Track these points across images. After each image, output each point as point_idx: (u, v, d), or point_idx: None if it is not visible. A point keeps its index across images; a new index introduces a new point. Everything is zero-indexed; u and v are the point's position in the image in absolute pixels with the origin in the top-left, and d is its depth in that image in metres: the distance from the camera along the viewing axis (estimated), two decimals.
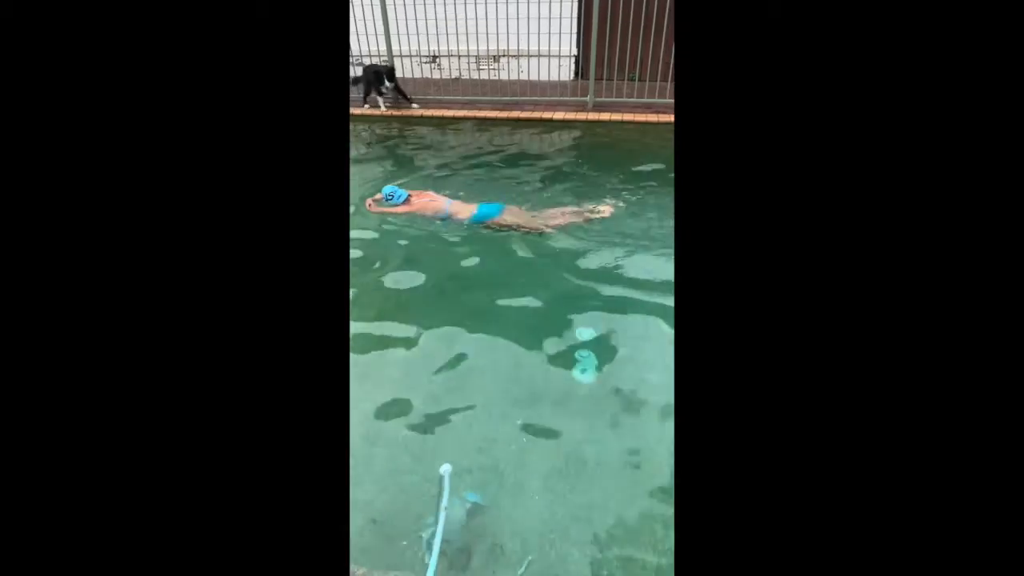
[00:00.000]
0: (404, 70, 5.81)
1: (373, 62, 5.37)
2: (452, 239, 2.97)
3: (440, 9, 5.35)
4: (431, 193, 3.24)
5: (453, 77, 6.17)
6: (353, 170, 4.08)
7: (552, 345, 2.18)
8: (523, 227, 2.96)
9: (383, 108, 5.28)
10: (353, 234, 2.94)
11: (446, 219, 3.06)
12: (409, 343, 2.23)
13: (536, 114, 4.96)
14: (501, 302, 2.46)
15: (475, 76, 5.93)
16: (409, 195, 3.17)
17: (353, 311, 2.41)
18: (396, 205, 3.14)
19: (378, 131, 5.06)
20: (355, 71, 5.28)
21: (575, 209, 3.14)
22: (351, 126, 5.14)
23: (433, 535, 1.41)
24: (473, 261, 2.80)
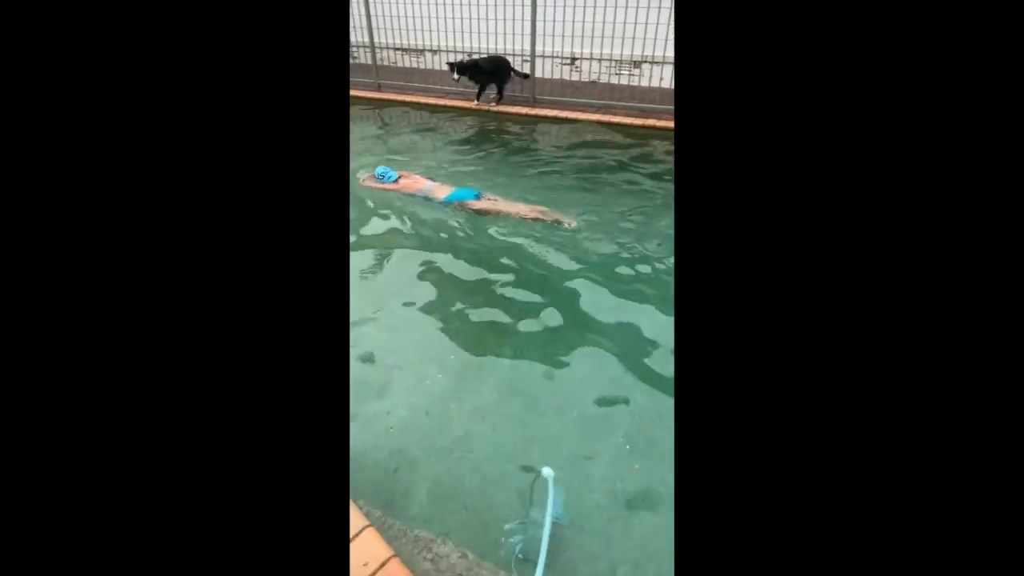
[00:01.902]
0: (544, 70, 5.90)
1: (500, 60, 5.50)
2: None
3: (589, 12, 5.35)
4: (416, 175, 3.60)
5: (591, 80, 6.15)
6: (453, 160, 4.27)
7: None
8: (487, 212, 3.22)
9: (476, 102, 5.45)
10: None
11: (426, 198, 3.37)
12: (510, 339, 2.25)
13: (672, 123, 4.78)
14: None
15: (613, 81, 5.85)
16: (399, 176, 3.55)
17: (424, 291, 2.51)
18: (385, 183, 3.52)
19: (501, 128, 5.20)
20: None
21: (543, 210, 3.24)
22: (466, 118, 5.36)
23: (524, 539, 1.41)
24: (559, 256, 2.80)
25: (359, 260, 2.84)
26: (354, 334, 2.24)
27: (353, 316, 2.36)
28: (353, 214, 3.28)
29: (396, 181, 3.55)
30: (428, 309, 2.44)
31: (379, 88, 6.18)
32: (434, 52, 6.44)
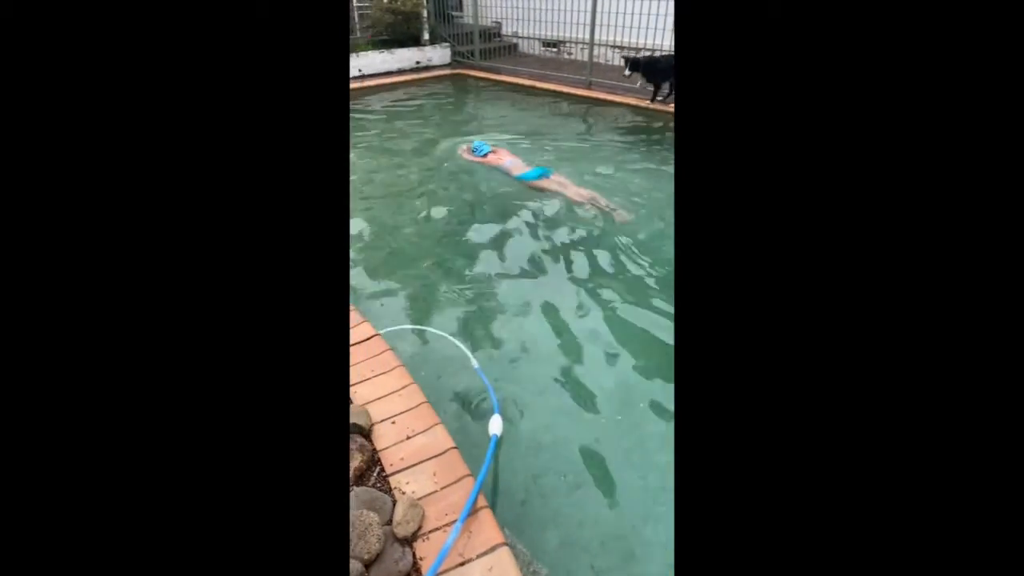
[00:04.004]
0: None
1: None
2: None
3: None
4: (504, 151, 4.01)
5: None
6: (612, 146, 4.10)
7: None
8: (544, 189, 3.56)
9: (651, 102, 5.39)
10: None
11: (505, 172, 3.77)
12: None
13: None
14: None
15: None
16: (490, 150, 4.00)
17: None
18: (476, 156, 4.00)
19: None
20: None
21: (604, 201, 3.44)
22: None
23: None
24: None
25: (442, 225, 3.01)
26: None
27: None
28: (442, 177, 3.98)
29: (486, 155, 4.01)
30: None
31: (590, 86, 6.13)
32: (651, 52, 6.16)
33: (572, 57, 7.58)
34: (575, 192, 3.52)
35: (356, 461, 1.42)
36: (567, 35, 7.03)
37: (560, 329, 2.30)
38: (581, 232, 3.13)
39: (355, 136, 4.95)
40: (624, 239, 3.04)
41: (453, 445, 1.51)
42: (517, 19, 7.48)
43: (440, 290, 2.60)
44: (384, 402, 1.67)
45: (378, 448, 1.51)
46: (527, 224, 3.23)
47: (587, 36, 6.13)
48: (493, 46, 7.93)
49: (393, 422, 1.59)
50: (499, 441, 1.65)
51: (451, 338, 2.18)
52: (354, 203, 3.55)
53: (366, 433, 1.53)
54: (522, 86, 6.54)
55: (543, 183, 3.62)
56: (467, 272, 2.74)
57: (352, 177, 4.00)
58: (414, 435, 1.55)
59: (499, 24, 8.17)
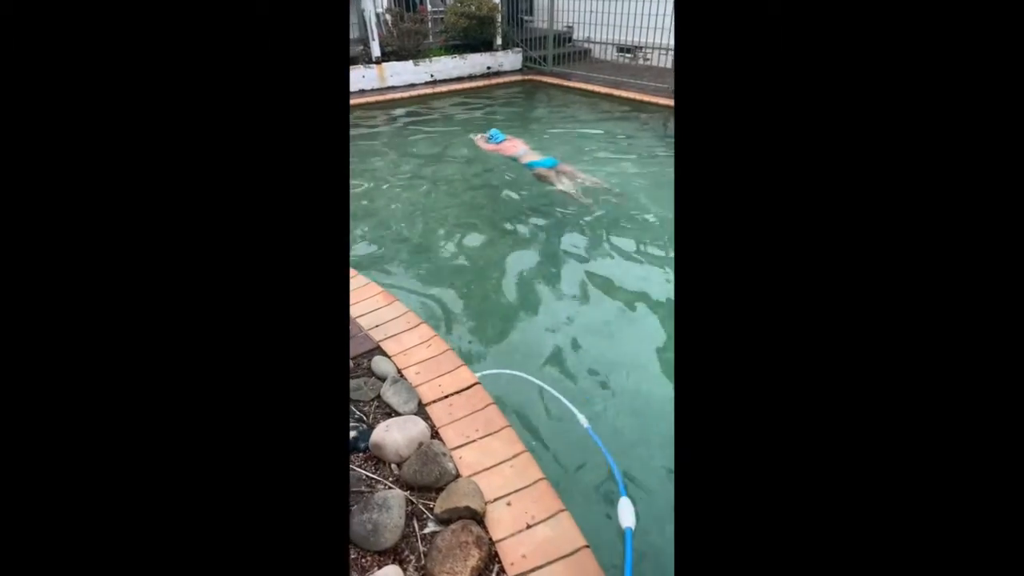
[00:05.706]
0: None
1: None
2: None
3: None
4: (517, 141, 4.08)
5: None
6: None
7: None
8: (545, 178, 3.62)
9: None
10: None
11: (516, 159, 3.87)
12: None
13: None
14: None
15: None
16: (504, 139, 4.10)
17: None
18: (490, 144, 4.10)
19: None
20: None
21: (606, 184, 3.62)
22: None
23: None
24: None
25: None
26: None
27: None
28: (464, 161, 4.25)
29: (500, 143, 4.13)
30: None
31: (673, 94, 5.77)
32: None
33: (649, 63, 7.22)
34: (583, 179, 3.63)
35: (473, 559, 1.19)
36: (646, 40, 6.68)
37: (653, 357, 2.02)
38: (614, 231, 3.15)
39: (419, 146, 4.81)
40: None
41: (585, 543, 1.25)
42: (591, 24, 7.19)
43: (514, 320, 2.37)
44: (494, 474, 1.44)
45: (495, 538, 1.28)
46: (566, 230, 3.18)
47: (668, 41, 5.77)
48: (565, 51, 7.66)
49: (509, 503, 1.36)
50: (634, 535, 1.38)
51: (553, 391, 1.93)
52: (418, 216, 3.38)
53: (480, 519, 1.30)
54: (596, 93, 6.25)
55: (551, 171, 3.72)
56: (547, 296, 2.50)
57: (421, 189, 3.84)
58: (535, 523, 1.30)
59: (571, 28, 7.91)
